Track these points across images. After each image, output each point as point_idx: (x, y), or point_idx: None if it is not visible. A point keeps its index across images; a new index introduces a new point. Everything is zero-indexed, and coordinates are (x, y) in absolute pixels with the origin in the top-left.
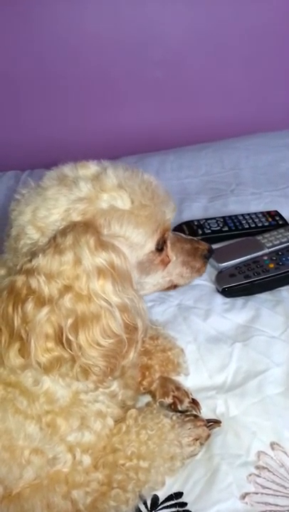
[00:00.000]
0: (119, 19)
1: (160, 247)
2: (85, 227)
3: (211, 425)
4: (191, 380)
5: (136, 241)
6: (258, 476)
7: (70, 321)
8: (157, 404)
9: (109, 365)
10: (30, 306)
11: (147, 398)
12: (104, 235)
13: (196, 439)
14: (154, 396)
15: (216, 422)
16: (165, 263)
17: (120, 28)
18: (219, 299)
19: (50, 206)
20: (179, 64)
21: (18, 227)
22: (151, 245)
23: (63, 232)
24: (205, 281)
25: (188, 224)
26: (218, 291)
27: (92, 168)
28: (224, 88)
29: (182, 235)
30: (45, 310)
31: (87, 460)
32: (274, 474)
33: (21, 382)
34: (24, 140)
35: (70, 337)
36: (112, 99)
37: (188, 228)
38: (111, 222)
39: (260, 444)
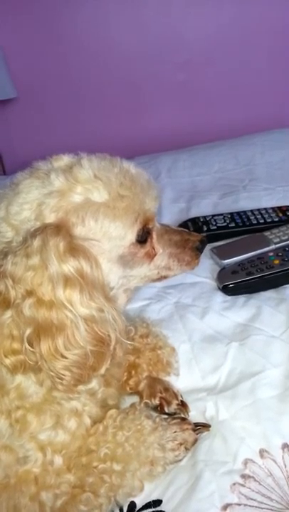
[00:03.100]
0: (142, 23)
1: (143, 239)
2: (55, 230)
3: (198, 429)
4: (182, 381)
5: (114, 234)
6: (243, 485)
7: (28, 330)
8: (142, 405)
9: (76, 377)
10: None
11: (135, 399)
12: (76, 236)
13: (181, 444)
14: (141, 397)
15: (205, 426)
16: (151, 256)
17: (143, 32)
18: (219, 297)
19: (21, 200)
20: (201, 67)
21: None
22: (131, 237)
23: (33, 233)
24: (206, 279)
25: (194, 220)
26: (219, 288)
27: (65, 159)
28: (246, 90)
29: (172, 226)
30: (8, 313)
31: (58, 460)
32: (260, 484)
33: None
34: (53, 143)
35: (28, 346)
36: (136, 101)
37: (194, 225)
38: (85, 219)
39: (248, 450)
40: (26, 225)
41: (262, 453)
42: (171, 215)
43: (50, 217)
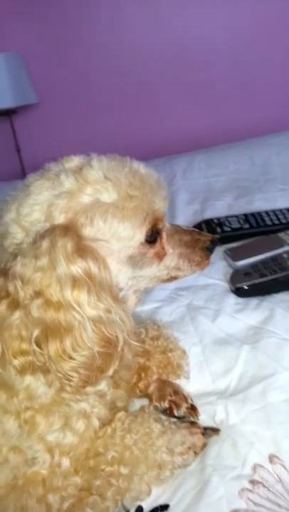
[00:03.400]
0: (159, 25)
1: (152, 239)
2: (63, 231)
3: (208, 433)
4: (192, 384)
5: (123, 235)
6: (251, 491)
7: (36, 331)
8: (151, 408)
9: (83, 378)
10: (3, 308)
11: (144, 402)
12: (85, 237)
13: (190, 448)
14: (150, 399)
15: (214, 430)
16: (161, 256)
17: (160, 34)
18: (232, 299)
19: (31, 202)
20: (217, 68)
21: (4, 225)
22: (140, 237)
23: (42, 235)
24: (219, 281)
25: (208, 222)
26: (232, 290)
27: (76, 160)
28: (263, 91)
29: (182, 226)
30: (17, 314)
31: (66, 463)
32: (269, 490)
33: (1, 376)
34: (71, 146)
35: (36, 347)
36: (153, 103)
37: (207, 226)
38: (94, 219)
39: (258, 455)
40: (36, 226)
41: (272, 458)
42: (186, 217)
43: (60, 218)
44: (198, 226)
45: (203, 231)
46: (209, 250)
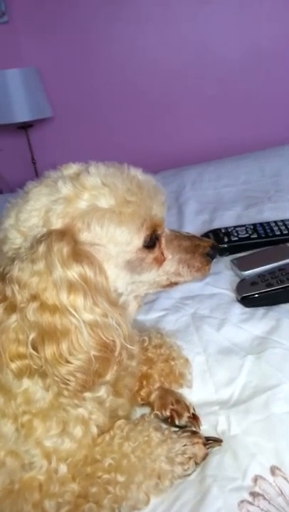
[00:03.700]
0: (176, 41)
1: (150, 244)
2: (60, 235)
3: (209, 443)
4: (195, 394)
5: (120, 240)
6: (251, 503)
7: (33, 334)
8: (151, 416)
9: (80, 382)
10: (0, 311)
11: (146, 411)
12: (82, 242)
13: (191, 458)
14: (152, 408)
15: (216, 441)
16: (160, 261)
17: (177, 50)
18: (238, 308)
19: (30, 208)
20: (233, 82)
21: (3, 231)
22: (137, 243)
23: (39, 239)
24: (226, 291)
25: (215, 232)
26: (238, 300)
27: (74, 167)
28: (277, 105)
29: (182, 232)
30: (14, 317)
31: (63, 469)
32: (270, 503)
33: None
34: (85, 159)
35: (32, 350)
36: (168, 118)
37: (215, 236)
38: (91, 224)
39: (259, 467)
40: (34, 231)
41: (273, 470)
42: (194, 227)
43: (57, 224)
44: (206, 236)
45: None
46: (210, 256)
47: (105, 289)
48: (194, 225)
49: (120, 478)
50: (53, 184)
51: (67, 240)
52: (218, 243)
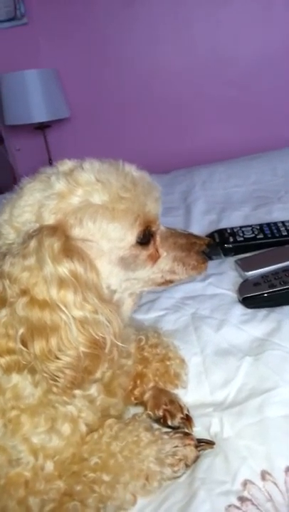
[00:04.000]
0: (191, 43)
1: (144, 241)
2: (51, 231)
3: (201, 446)
4: (190, 395)
5: (113, 236)
6: (239, 508)
7: (22, 329)
8: (143, 416)
9: (69, 379)
10: None
11: (140, 410)
12: (74, 237)
13: (181, 460)
14: (145, 407)
15: (208, 443)
16: (154, 258)
17: (192, 52)
18: (239, 309)
19: (23, 203)
20: (247, 84)
21: None
22: (131, 239)
23: (31, 235)
24: (228, 291)
25: (221, 232)
26: (239, 301)
27: (69, 163)
28: None
29: (178, 229)
30: (3, 312)
31: (49, 466)
32: (258, 509)
33: None
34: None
35: (21, 346)
36: (183, 119)
37: (220, 236)
38: (83, 220)
39: (249, 471)
40: (27, 226)
41: (263, 475)
42: (201, 227)
43: (50, 219)
44: (211, 235)
45: (216, 241)
46: (206, 254)
47: (96, 285)
48: (201, 225)
49: (106, 478)
50: (47, 180)
51: (58, 236)
52: (223, 243)
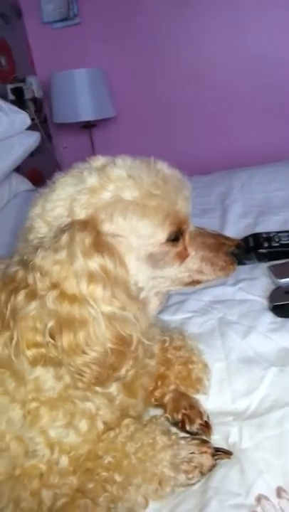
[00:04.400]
0: (242, 46)
1: (174, 239)
2: (82, 226)
3: (218, 455)
4: (211, 401)
5: (143, 232)
6: None
7: (51, 322)
8: (162, 419)
9: (95, 374)
10: (20, 297)
11: (160, 412)
12: (104, 232)
13: (196, 467)
14: (165, 410)
15: (226, 453)
16: (183, 257)
17: (243, 54)
18: (268, 317)
19: (55, 197)
20: None
21: (29, 220)
22: (161, 236)
23: (62, 229)
24: (258, 298)
25: (256, 236)
26: (270, 308)
27: (102, 159)
28: None
29: (208, 229)
30: (33, 304)
31: (64, 461)
32: None
33: (13, 364)
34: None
35: (49, 339)
36: (230, 121)
37: (255, 240)
38: (114, 215)
39: (265, 486)
40: (58, 221)
41: (279, 491)
42: (236, 231)
43: (81, 214)
44: (246, 240)
45: (250, 245)
46: (235, 256)
47: (125, 281)
48: (236, 229)
49: (118, 478)
50: (80, 174)
51: (89, 231)
52: (257, 248)
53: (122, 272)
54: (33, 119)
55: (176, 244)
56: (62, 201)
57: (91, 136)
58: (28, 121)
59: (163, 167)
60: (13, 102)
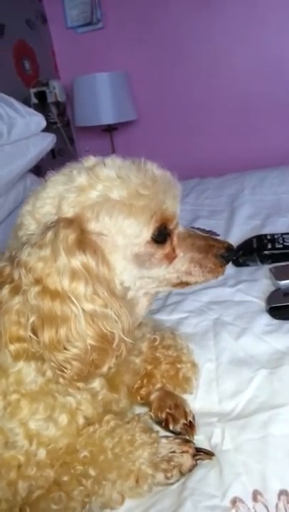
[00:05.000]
0: (267, 45)
1: (160, 239)
2: (67, 223)
3: (199, 455)
4: (199, 402)
5: (129, 232)
6: None
7: (33, 317)
8: (145, 417)
9: (76, 371)
10: (5, 292)
11: (145, 410)
12: (89, 231)
13: (176, 467)
14: (150, 408)
15: (207, 454)
16: (170, 258)
17: (267, 54)
18: (264, 319)
19: (45, 195)
20: None
21: (20, 216)
22: (146, 235)
23: (48, 226)
24: (256, 299)
25: (260, 238)
26: (267, 310)
27: (93, 159)
28: None
29: (198, 231)
30: (17, 299)
31: (42, 453)
32: None
33: None
34: (166, 162)
35: (31, 334)
36: (249, 122)
37: (258, 242)
38: (100, 214)
39: (241, 489)
40: (47, 218)
41: (255, 495)
42: (242, 232)
43: (68, 212)
44: (249, 241)
45: (254, 246)
46: (224, 258)
47: (108, 279)
48: (243, 230)
49: (92, 472)
50: (70, 173)
51: (73, 228)
52: (261, 250)
53: (104, 270)
54: (55, 123)
55: (163, 245)
56: (51, 199)
57: (112, 140)
58: (43, 124)
59: (153, 168)
60: (36, 106)
